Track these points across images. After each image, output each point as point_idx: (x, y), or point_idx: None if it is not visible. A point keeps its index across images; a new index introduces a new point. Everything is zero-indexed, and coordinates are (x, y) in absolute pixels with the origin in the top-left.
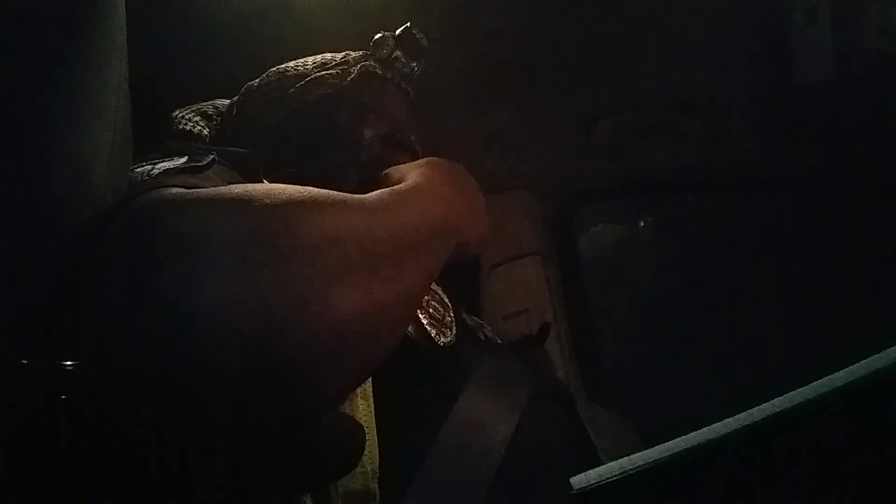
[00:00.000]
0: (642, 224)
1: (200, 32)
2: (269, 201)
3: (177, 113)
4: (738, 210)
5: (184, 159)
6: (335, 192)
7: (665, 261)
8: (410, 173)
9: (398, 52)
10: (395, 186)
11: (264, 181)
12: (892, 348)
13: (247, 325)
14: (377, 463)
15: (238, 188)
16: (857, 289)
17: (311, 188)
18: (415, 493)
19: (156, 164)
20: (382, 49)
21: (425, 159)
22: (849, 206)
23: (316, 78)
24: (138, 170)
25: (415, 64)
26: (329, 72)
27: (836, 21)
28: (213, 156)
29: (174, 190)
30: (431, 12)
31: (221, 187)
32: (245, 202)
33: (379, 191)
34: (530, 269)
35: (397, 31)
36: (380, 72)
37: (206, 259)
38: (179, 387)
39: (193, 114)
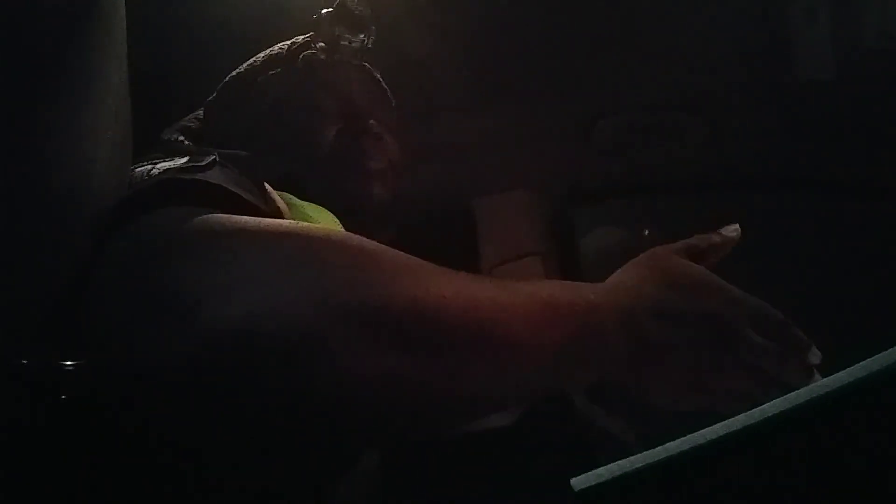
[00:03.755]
0: (645, 232)
1: (200, 33)
2: (302, 236)
3: (165, 136)
4: (737, 210)
5: (184, 159)
6: (393, 251)
7: None
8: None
9: (339, 30)
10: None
11: (266, 184)
12: (892, 348)
13: (249, 332)
14: (378, 461)
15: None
16: (858, 289)
17: (358, 237)
18: (416, 489)
19: (156, 164)
20: (322, 29)
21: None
22: (849, 206)
23: (265, 80)
24: (139, 170)
25: (362, 36)
26: (276, 70)
27: (836, 21)
28: (213, 156)
29: (195, 209)
30: (430, 12)
31: (243, 216)
32: (265, 228)
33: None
34: (530, 269)
35: (334, 6)
36: (323, 56)
37: (217, 263)
38: (179, 388)
39: (178, 133)
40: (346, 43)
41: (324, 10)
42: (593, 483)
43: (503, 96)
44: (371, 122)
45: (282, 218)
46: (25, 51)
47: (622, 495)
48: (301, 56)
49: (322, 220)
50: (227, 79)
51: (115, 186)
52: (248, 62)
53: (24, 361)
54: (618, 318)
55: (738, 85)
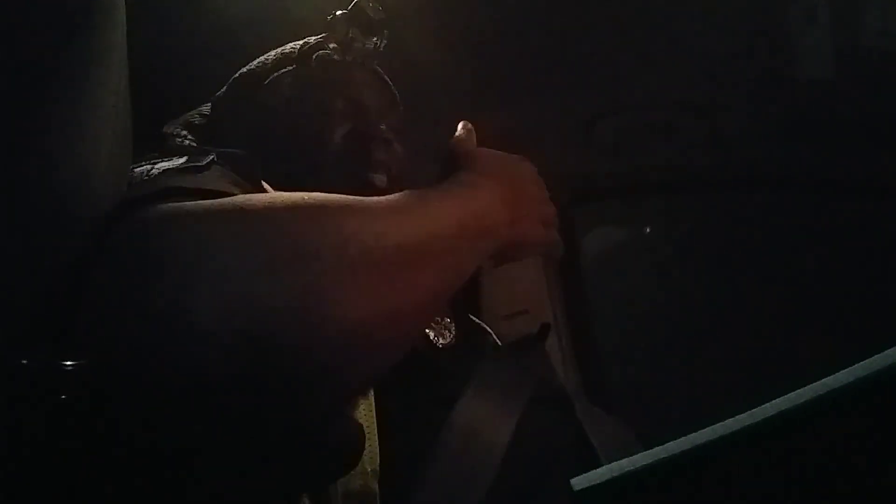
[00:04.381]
0: (646, 230)
1: (200, 32)
2: (269, 208)
3: (167, 129)
4: (738, 210)
5: (183, 159)
6: (343, 197)
7: (665, 261)
8: (466, 172)
9: (353, 32)
10: (426, 188)
11: (263, 183)
12: (892, 348)
13: (245, 328)
14: (377, 463)
15: (240, 198)
16: (858, 289)
17: (317, 194)
18: (415, 493)
19: (155, 164)
20: (336, 31)
21: (486, 155)
22: (849, 206)
23: (275, 79)
24: (138, 170)
25: (375, 39)
26: (287, 69)
27: (836, 21)
28: (212, 157)
29: (178, 204)
30: (430, 13)
31: (224, 199)
32: (244, 210)
33: (401, 192)
34: (530, 269)
35: (349, 8)
36: (337, 57)
37: (205, 263)
38: (178, 388)
39: (181, 128)
40: (360, 45)
41: (338, 12)
42: (593, 483)
43: (503, 96)
44: (382, 126)
45: None
46: (25, 50)
47: (622, 495)
48: (315, 56)
49: None
50: (236, 75)
51: (115, 186)
52: (259, 60)
53: (24, 361)
54: (495, 204)
55: (738, 85)
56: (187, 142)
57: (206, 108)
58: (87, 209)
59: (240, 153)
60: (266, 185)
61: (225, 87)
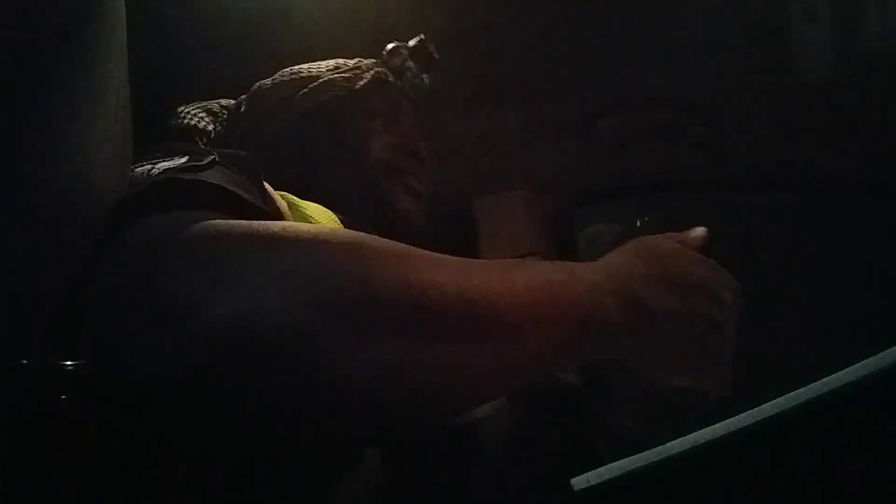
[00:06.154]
0: (639, 224)
1: (201, 33)
2: (291, 234)
3: (181, 108)
4: (737, 210)
5: (184, 159)
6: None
7: None
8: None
9: (410, 63)
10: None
11: (265, 183)
12: (892, 348)
13: (245, 333)
14: (379, 457)
15: (257, 222)
16: (857, 289)
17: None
18: (415, 490)
19: (156, 163)
20: (395, 58)
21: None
22: (849, 206)
23: (328, 80)
24: (139, 170)
25: (425, 76)
26: (342, 75)
27: (836, 21)
28: (213, 156)
29: (188, 211)
30: (430, 13)
31: (250, 222)
32: (265, 227)
33: (499, 261)
34: None
35: (411, 42)
36: (391, 79)
37: (216, 268)
38: (178, 389)
39: (199, 110)
40: (412, 77)
41: (394, 43)
42: (593, 483)
43: (503, 96)
44: (420, 144)
45: (282, 218)
46: (24, 50)
47: (622, 495)
48: (373, 70)
49: (321, 221)
50: (283, 71)
51: (115, 186)
52: (309, 64)
53: (24, 361)
54: (616, 294)
55: (738, 85)
56: (203, 123)
57: (224, 101)
58: (88, 209)
59: (241, 153)
60: (268, 186)
61: (269, 79)
